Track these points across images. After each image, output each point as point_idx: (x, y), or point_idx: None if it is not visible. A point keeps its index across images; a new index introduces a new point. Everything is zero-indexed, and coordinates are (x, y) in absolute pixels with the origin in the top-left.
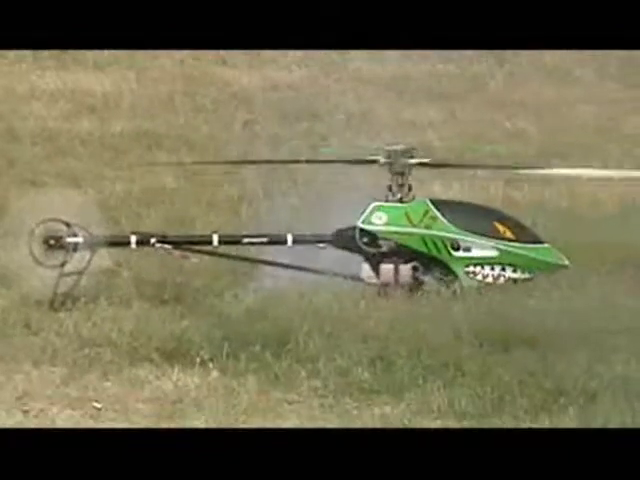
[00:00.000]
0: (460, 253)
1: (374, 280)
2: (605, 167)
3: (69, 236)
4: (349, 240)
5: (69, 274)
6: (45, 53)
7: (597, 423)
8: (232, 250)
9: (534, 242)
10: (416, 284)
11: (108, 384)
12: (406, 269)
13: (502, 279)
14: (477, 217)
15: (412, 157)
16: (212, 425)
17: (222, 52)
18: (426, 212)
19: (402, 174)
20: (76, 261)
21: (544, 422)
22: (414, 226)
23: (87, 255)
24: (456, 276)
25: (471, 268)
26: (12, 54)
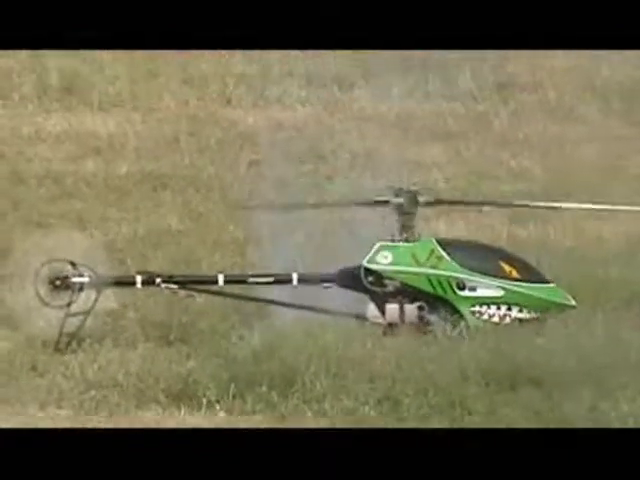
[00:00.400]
0: (466, 293)
1: (380, 320)
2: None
3: (75, 276)
4: (354, 279)
5: (75, 314)
6: (51, 95)
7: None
8: (237, 290)
9: (540, 282)
10: (422, 324)
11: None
12: (412, 309)
13: (508, 319)
14: (483, 256)
15: (419, 198)
16: None
17: (227, 92)
18: (432, 252)
19: (409, 214)
20: (82, 301)
21: None
22: (420, 266)
23: (93, 295)
24: (462, 316)
25: (477, 308)
26: (17, 96)
